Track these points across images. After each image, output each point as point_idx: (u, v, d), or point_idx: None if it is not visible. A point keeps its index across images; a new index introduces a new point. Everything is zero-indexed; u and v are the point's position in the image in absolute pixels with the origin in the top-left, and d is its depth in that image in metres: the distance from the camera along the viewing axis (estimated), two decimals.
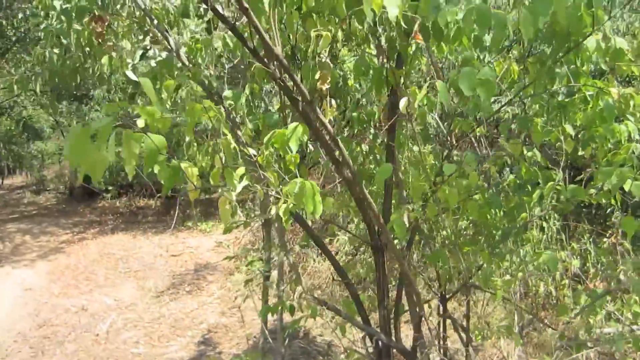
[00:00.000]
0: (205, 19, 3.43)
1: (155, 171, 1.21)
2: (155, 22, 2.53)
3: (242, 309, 6.45)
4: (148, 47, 3.49)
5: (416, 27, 1.44)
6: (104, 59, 2.47)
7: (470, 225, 2.65)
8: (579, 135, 2.21)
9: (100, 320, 6.51)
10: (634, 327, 4.18)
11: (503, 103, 2.04)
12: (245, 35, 2.05)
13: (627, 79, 5.01)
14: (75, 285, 7.90)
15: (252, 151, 1.55)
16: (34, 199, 14.68)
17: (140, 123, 1.26)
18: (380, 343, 2.31)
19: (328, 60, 1.64)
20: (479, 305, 4.92)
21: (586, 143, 2.21)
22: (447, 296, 2.44)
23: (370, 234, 2.28)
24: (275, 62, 1.63)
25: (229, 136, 1.42)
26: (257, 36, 1.79)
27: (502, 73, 2.08)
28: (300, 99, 1.66)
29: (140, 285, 7.75)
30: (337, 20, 1.70)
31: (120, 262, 8.90)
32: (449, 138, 2.11)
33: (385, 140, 2.18)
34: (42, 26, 3.00)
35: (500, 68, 2.18)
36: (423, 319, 2.46)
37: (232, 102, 2.08)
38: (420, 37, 1.49)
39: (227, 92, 2.13)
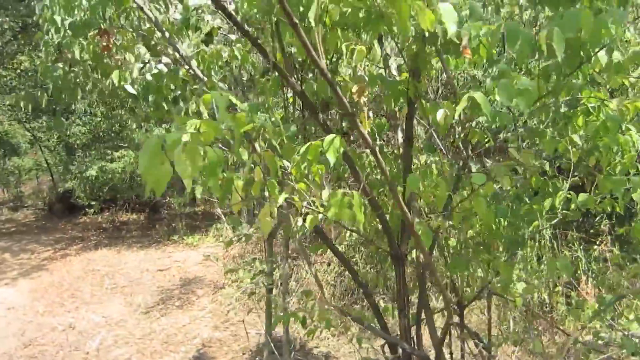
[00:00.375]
0: (205, 30, 3.45)
1: (210, 184, 1.21)
2: (167, 34, 2.54)
3: (237, 322, 6.41)
4: (146, 61, 3.49)
5: (465, 41, 1.49)
6: (114, 74, 2.47)
7: (475, 234, 2.71)
8: (583, 146, 2.30)
9: (89, 338, 6.38)
10: (627, 332, 4.30)
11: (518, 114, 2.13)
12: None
13: (610, 89, 5.19)
14: (60, 303, 7.72)
15: (286, 163, 1.58)
16: (12, 215, 14.30)
17: (186, 137, 1.27)
18: (401, 352, 2.34)
19: (363, 73, 1.69)
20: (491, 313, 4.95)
21: (590, 153, 2.30)
22: (464, 304, 2.48)
23: (390, 243, 2.32)
24: (297, 75, 1.66)
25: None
26: (278, 48, 1.82)
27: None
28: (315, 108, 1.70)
29: (128, 301, 7.62)
30: (357, 33, 1.75)
31: (106, 278, 8.74)
32: (463, 148, 2.17)
33: (401, 150, 2.23)
34: (42, 40, 2.98)
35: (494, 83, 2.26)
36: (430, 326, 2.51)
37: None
38: (469, 52, 1.55)
39: (244, 105, 2.14)
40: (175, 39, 2.63)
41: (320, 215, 1.52)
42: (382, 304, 3.64)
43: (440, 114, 1.63)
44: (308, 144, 1.44)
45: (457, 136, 2.10)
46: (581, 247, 5.07)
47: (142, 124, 9.86)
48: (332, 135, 1.28)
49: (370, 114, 1.74)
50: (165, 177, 1.05)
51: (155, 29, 2.51)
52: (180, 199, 11.07)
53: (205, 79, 2.51)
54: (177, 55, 2.61)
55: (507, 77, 1.36)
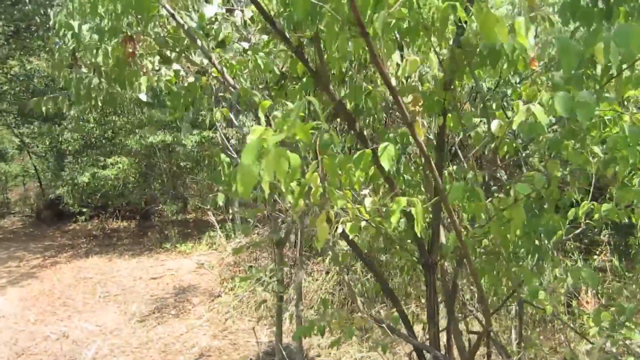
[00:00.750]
0: (220, 38, 3.46)
1: (284, 189, 1.19)
2: (199, 42, 2.54)
3: (235, 331, 6.37)
4: (157, 69, 3.49)
5: (533, 54, 1.53)
6: (143, 79, 2.46)
7: (490, 244, 2.74)
8: (602, 157, 2.35)
9: (84, 347, 6.28)
10: (627, 342, 4.37)
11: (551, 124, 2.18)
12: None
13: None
14: (52, 312, 7.59)
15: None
16: None
17: (278, 138, 1.24)
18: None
19: (418, 84, 1.71)
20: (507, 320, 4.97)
21: (608, 164, 2.36)
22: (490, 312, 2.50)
23: (421, 252, 2.34)
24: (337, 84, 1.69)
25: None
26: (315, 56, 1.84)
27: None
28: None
29: (123, 310, 7.52)
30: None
31: (98, 287, 8.61)
32: (493, 159, 2.20)
33: (434, 160, 2.24)
34: (56, 45, 2.96)
35: (528, 92, 2.31)
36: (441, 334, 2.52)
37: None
38: (536, 63, 1.59)
39: (277, 112, 2.16)
40: (197, 47, 2.64)
41: (364, 222, 1.54)
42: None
43: (495, 125, 1.66)
44: (361, 151, 1.46)
45: (488, 147, 2.14)
46: (580, 256, 5.16)
47: (136, 131, 9.80)
48: (386, 143, 1.30)
49: (425, 122, 1.77)
50: (254, 181, 1.04)
51: (185, 35, 2.51)
52: (173, 206, 10.98)
53: (238, 85, 2.51)
54: (203, 62, 2.62)
55: (561, 90, 1.39)
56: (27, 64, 11.58)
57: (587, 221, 2.20)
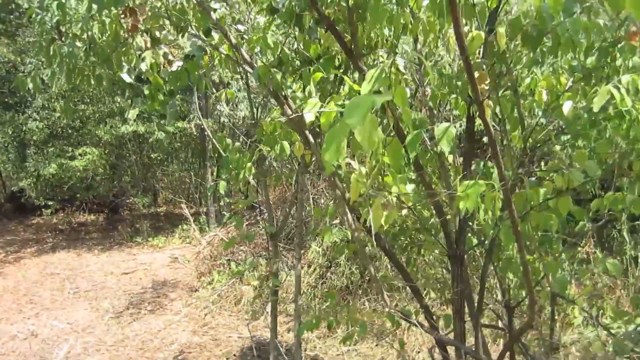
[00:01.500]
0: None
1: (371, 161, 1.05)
2: (213, 15, 2.35)
3: (215, 326, 6.18)
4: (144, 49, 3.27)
5: (633, 27, 1.45)
6: (147, 54, 2.26)
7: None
8: (621, 149, 2.31)
9: (55, 346, 5.97)
10: (612, 330, 4.44)
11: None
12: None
13: None
14: (18, 310, 7.20)
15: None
16: None
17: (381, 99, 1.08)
18: (455, 355, 2.26)
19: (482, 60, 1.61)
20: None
21: (625, 156, 2.32)
22: (513, 306, 2.43)
23: (449, 244, 2.25)
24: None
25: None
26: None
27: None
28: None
29: (94, 307, 7.21)
30: None
31: (67, 283, 8.24)
32: (523, 150, 2.12)
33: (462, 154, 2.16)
34: (37, 16, 2.70)
35: (548, 82, 2.25)
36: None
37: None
38: (637, 38, 1.50)
39: (298, 93, 2.03)
40: (212, 21, 2.43)
41: (405, 211, 1.43)
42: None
43: (567, 107, 1.58)
44: (414, 133, 1.34)
45: (521, 135, 2.06)
46: (565, 247, 5.20)
47: (107, 120, 9.40)
48: (445, 124, 1.19)
49: (490, 102, 1.67)
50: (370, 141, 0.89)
51: (199, 8, 2.32)
52: (144, 199, 10.62)
53: (256, 64, 2.35)
54: (211, 40, 2.44)
55: None
56: None
57: (609, 212, 2.16)
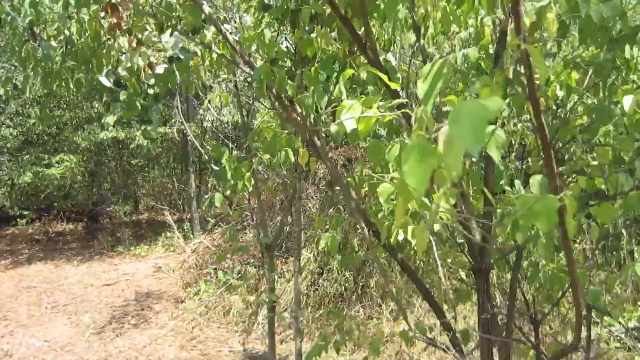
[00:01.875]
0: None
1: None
2: (206, 9, 2.13)
3: (204, 340, 5.92)
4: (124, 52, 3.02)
5: None
6: (125, 59, 2.02)
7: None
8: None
9: None
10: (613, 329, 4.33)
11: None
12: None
13: None
14: None
15: None
16: None
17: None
18: None
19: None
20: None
21: None
22: (539, 319, 2.26)
23: (472, 256, 2.06)
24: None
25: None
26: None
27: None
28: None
29: (74, 322, 6.86)
30: None
31: (44, 296, 7.86)
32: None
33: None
34: (8, 16, 2.44)
35: (559, 72, 2.11)
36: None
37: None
38: None
39: (304, 95, 1.82)
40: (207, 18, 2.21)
41: (437, 226, 1.24)
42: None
43: (628, 101, 1.41)
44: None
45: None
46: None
47: (85, 126, 9.04)
48: (492, 127, 1.01)
49: None
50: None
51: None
52: (126, 207, 10.27)
53: (255, 63, 2.14)
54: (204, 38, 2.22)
55: None
56: None
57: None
